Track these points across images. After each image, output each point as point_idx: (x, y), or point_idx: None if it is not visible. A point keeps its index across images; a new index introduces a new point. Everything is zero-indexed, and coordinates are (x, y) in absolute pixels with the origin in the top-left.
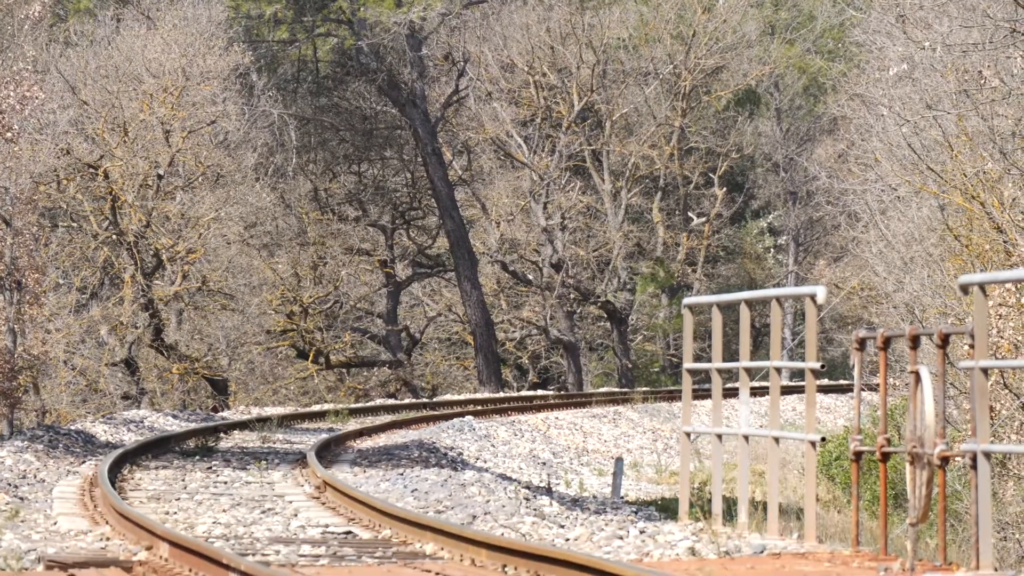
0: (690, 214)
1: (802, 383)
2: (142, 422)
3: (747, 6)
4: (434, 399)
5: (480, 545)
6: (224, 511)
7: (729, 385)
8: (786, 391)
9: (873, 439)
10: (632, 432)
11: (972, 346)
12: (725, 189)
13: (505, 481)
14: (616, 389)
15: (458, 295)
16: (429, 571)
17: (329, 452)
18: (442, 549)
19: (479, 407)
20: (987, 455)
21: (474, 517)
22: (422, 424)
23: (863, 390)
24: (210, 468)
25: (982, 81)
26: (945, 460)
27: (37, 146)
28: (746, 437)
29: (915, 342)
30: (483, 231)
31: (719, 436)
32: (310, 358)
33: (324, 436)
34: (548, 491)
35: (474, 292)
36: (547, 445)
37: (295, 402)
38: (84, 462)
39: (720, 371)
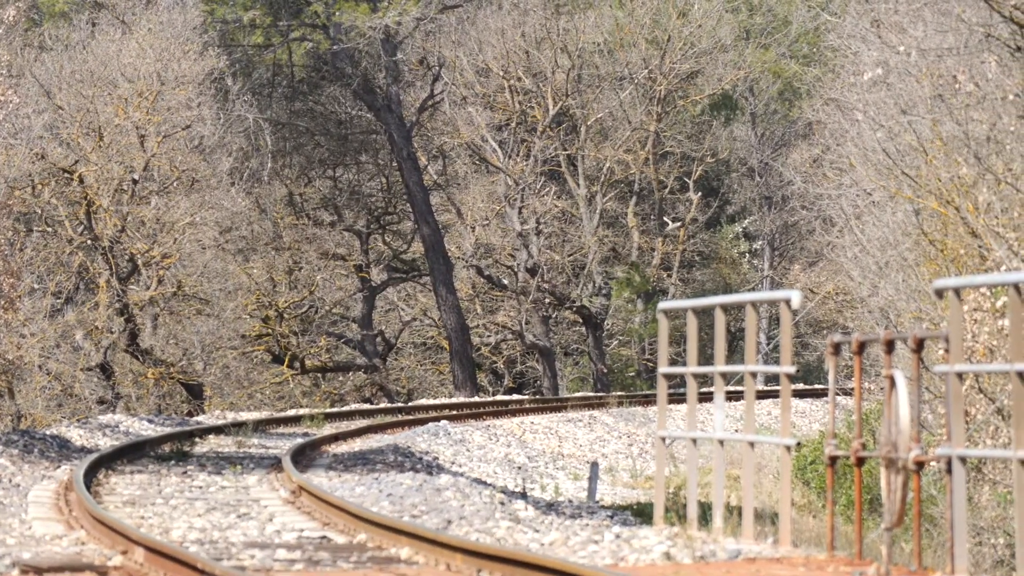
0: (665, 219)
1: (777, 387)
2: (117, 427)
3: (722, 11)
4: (409, 404)
5: (455, 550)
6: (199, 516)
7: (704, 389)
8: (761, 395)
9: (848, 444)
10: (607, 436)
11: (947, 350)
12: (700, 194)
13: (480, 486)
14: (591, 394)
15: (433, 300)
16: None
17: (304, 457)
18: (417, 554)
19: (454, 412)
20: (962, 460)
21: (449, 522)
22: (397, 429)
23: (838, 394)
24: (185, 473)
25: (957, 86)
26: (920, 465)
27: (11, 151)
28: (721, 441)
29: (890, 347)
30: (458, 236)
31: (694, 440)
32: (285, 363)
33: (299, 441)
34: (523, 495)
35: (449, 297)
36: (522, 449)
37: (270, 407)
38: (59, 467)
39: (695, 376)
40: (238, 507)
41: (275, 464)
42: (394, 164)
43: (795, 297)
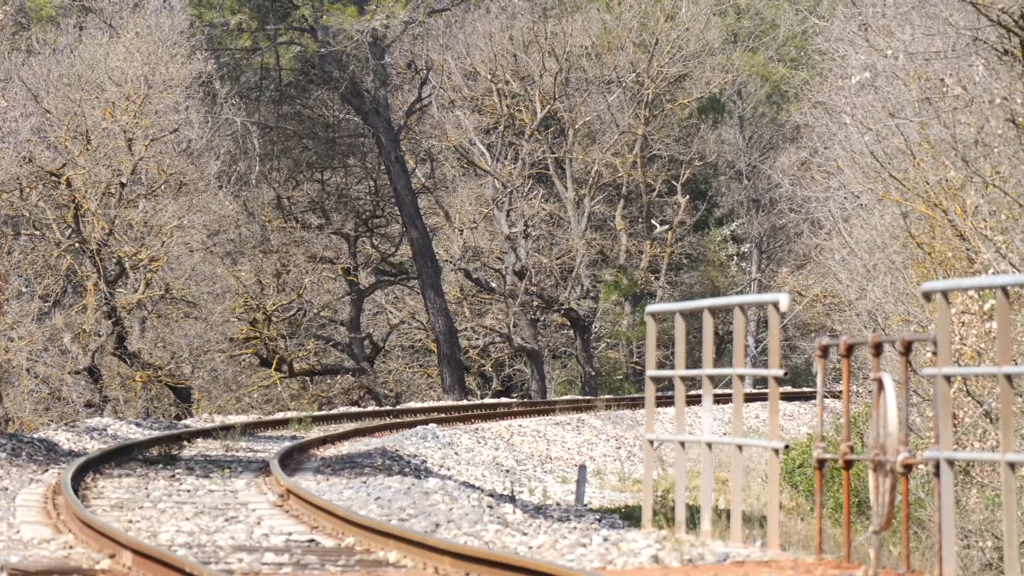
0: (653, 222)
1: (765, 390)
2: (105, 430)
3: (710, 14)
4: (397, 407)
5: (444, 553)
6: (187, 519)
7: (692, 392)
8: (749, 398)
9: (836, 446)
10: (595, 440)
11: (935, 353)
12: (688, 197)
13: (468, 489)
14: (579, 397)
15: (421, 303)
16: None
17: (292, 460)
18: (405, 557)
19: (442, 415)
20: (950, 462)
21: (437, 525)
22: (385, 432)
23: (826, 397)
24: (173, 476)
25: (944, 89)
26: (908, 467)
27: None
28: (709, 444)
29: (878, 349)
30: (446, 239)
31: (682, 444)
32: (273, 366)
33: (287, 444)
34: (511, 499)
35: (437, 300)
36: (510, 453)
37: (258, 410)
38: (47, 470)
39: (683, 379)
40: (226, 511)
41: (263, 467)
42: (382, 167)
43: (783, 300)
